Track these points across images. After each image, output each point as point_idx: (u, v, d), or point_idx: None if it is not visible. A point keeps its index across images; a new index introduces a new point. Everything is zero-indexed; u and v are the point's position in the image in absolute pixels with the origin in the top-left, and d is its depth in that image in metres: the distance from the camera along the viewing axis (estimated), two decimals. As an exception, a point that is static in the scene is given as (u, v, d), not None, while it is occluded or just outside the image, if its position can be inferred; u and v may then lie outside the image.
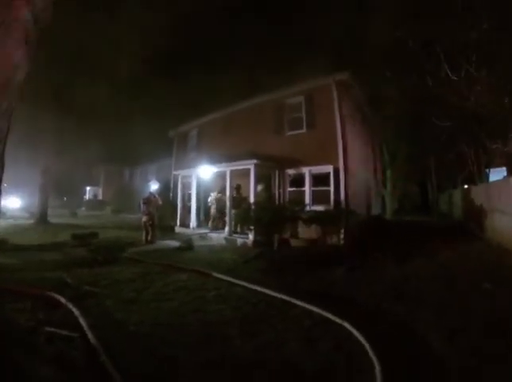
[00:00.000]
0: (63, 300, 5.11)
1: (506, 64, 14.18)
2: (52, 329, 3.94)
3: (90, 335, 3.83)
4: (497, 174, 20.38)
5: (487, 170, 23.03)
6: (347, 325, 4.32)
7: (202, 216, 16.67)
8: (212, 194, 15.15)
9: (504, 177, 15.12)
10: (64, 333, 3.89)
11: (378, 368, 3.25)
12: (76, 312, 4.59)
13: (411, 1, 16.83)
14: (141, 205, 12.89)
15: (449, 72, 15.97)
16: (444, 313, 5.07)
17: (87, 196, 47.23)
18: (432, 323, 4.61)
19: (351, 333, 4.13)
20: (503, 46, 13.89)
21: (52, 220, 20.97)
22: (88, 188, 47.64)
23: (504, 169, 19.25)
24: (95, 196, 46.55)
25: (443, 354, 3.73)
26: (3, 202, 28.94)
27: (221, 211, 14.74)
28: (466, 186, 22.82)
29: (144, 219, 12.55)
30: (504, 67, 14.34)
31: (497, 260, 8.94)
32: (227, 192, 13.56)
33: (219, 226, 14.50)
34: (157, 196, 13.30)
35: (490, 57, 14.65)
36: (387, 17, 18.01)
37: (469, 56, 15.22)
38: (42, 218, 20.25)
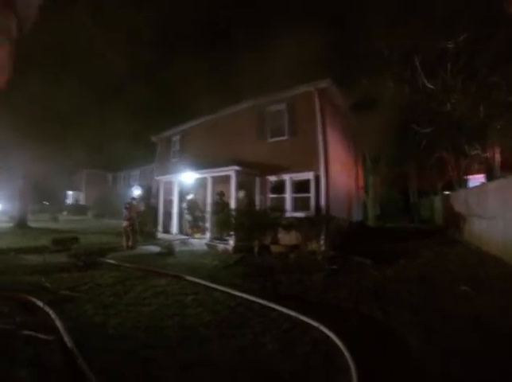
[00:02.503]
0: (41, 304, 5.13)
1: (482, 73, 14.60)
2: (29, 333, 3.97)
3: (66, 338, 3.88)
4: (476, 181, 20.73)
5: (466, 177, 23.44)
6: (323, 328, 4.43)
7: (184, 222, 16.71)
8: (186, 197, 15.27)
9: (482, 183, 15.48)
10: (41, 336, 3.91)
11: (353, 369, 3.36)
12: (53, 315, 4.63)
13: (392, 12, 17.14)
14: (123, 210, 12.91)
15: (425, 80, 16.36)
16: (422, 314, 5.22)
17: (68, 201, 46.65)
18: (409, 324, 4.77)
19: (327, 336, 4.24)
20: (479, 56, 14.32)
21: (33, 224, 20.68)
22: (70, 192, 46.97)
23: (482, 176, 19.63)
24: (77, 200, 45.85)
25: (420, 354, 3.88)
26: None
27: (195, 217, 14.90)
28: (446, 192, 23.23)
29: (124, 224, 12.55)
30: (480, 76, 14.76)
31: (475, 262, 9.24)
32: (208, 199, 13.61)
33: (196, 233, 14.53)
34: (139, 202, 13.34)
35: (466, 67, 15.07)
36: (368, 27, 18.35)
37: (445, 66, 15.65)
38: (22, 222, 19.97)
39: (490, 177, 16.42)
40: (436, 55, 15.85)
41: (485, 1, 13.10)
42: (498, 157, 16.33)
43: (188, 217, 15.01)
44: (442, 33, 15.10)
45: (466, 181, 22.96)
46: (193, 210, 14.98)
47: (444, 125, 18.71)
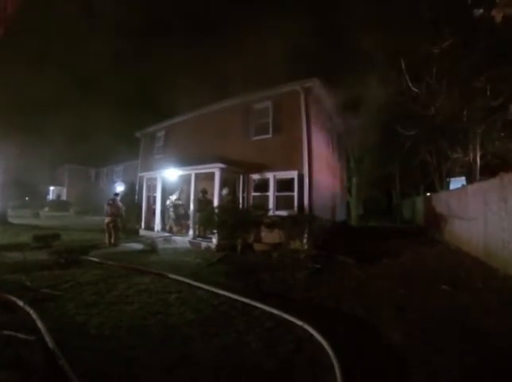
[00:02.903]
0: (21, 303, 5.06)
1: (465, 78, 14.86)
2: (10, 333, 3.90)
3: (47, 338, 3.82)
4: (457, 183, 21.13)
5: (448, 179, 23.88)
6: (307, 326, 4.45)
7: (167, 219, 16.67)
8: (171, 197, 15.13)
9: (462, 185, 15.80)
10: (22, 336, 3.85)
11: (337, 367, 3.38)
12: (34, 315, 4.57)
13: (380, 14, 17.33)
14: (105, 207, 12.79)
15: (409, 83, 16.59)
16: (404, 312, 5.32)
17: (50, 197, 45.88)
18: (391, 321, 4.85)
19: (311, 334, 4.27)
20: (463, 62, 14.58)
21: (13, 220, 20.23)
22: (52, 188, 46.10)
23: (463, 178, 20.02)
24: (59, 196, 45.07)
25: (402, 350, 3.96)
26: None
27: (178, 215, 14.83)
28: (428, 194, 23.64)
29: (106, 220, 12.40)
30: (463, 81, 15.03)
31: (455, 263, 9.47)
32: (191, 196, 13.56)
33: (181, 231, 14.43)
34: (120, 203, 13.17)
35: (450, 71, 15.34)
36: (356, 28, 18.54)
37: (430, 70, 15.91)
38: (2, 218, 19.54)
39: (470, 179, 16.76)
40: (422, 59, 16.12)
41: (470, 9, 13.33)
42: (478, 160, 16.68)
43: (172, 215, 14.91)
44: (428, 37, 15.35)
45: (447, 183, 23.41)
46: (177, 208, 14.92)
47: (427, 128, 19.06)
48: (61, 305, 5.32)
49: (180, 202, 15.07)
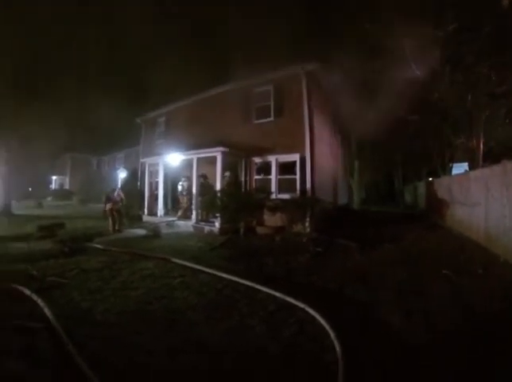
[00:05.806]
0: (28, 292, 5.12)
1: (469, 64, 14.71)
2: (18, 322, 3.95)
3: (55, 325, 3.88)
4: (459, 169, 21.03)
5: (450, 164, 23.76)
6: (308, 309, 4.50)
7: (170, 204, 16.66)
8: (183, 183, 14.95)
9: (465, 171, 15.72)
10: (30, 324, 3.90)
11: (338, 348, 3.44)
12: (41, 303, 4.63)
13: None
14: (107, 196, 12.78)
15: (414, 66, 16.40)
16: (405, 295, 5.32)
17: (53, 186, 45.89)
18: (392, 305, 4.86)
19: (313, 317, 4.31)
20: (467, 47, 14.42)
21: (17, 211, 20.31)
22: (54, 177, 46.03)
23: (466, 164, 19.95)
24: (62, 185, 45.07)
25: (402, 332, 4.00)
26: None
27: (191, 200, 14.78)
28: (430, 179, 23.56)
29: (108, 207, 12.48)
30: (467, 67, 14.89)
31: (457, 248, 9.43)
32: (194, 180, 13.60)
33: (187, 215, 14.39)
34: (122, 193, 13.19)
35: (454, 56, 15.18)
36: (359, 10, 18.27)
37: (435, 54, 15.73)
38: (6, 209, 19.63)
39: (473, 165, 16.67)
40: (426, 42, 15.88)
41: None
42: (481, 147, 16.58)
43: (185, 202, 14.79)
44: (432, 21, 15.11)
45: (450, 168, 23.30)
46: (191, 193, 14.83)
47: (430, 113, 18.91)
48: (67, 293, 5.40)
49: (188, 182, 14.92)
